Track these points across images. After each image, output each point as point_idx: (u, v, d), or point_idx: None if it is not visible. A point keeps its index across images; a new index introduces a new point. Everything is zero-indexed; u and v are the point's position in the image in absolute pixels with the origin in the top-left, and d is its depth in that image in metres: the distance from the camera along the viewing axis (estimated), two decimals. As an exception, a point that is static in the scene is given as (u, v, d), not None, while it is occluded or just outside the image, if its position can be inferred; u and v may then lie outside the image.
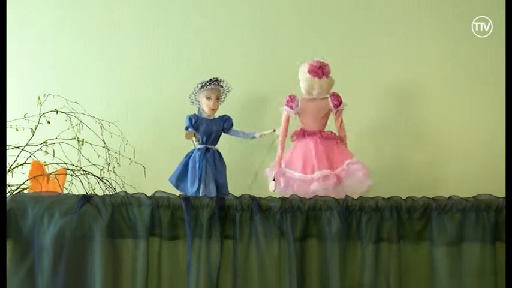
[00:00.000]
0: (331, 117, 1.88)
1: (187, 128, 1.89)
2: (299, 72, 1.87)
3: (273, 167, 1.85)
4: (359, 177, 1.79)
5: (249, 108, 2.23)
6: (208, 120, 1.91)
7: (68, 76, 2.27)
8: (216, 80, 1.89)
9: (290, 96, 1.86)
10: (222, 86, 1.92)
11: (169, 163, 1.89)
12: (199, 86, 1.88)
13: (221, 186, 1.88)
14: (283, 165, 1.84)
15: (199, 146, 1.90)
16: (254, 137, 1.94)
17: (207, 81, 1.88)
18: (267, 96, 2.24)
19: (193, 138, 1.90)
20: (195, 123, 1.89)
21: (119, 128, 2.11)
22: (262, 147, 2.18)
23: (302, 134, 1.86)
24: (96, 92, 2.25)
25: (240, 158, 2.14)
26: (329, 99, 1.85)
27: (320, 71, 1.83)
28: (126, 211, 1.66)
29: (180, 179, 1.89)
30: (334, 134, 1.86)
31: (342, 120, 1.87)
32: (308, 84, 1.84)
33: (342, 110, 1.86)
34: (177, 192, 1.76)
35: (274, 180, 1.82)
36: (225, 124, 1.93)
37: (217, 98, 1.91)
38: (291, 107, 1.85)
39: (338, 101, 1.85)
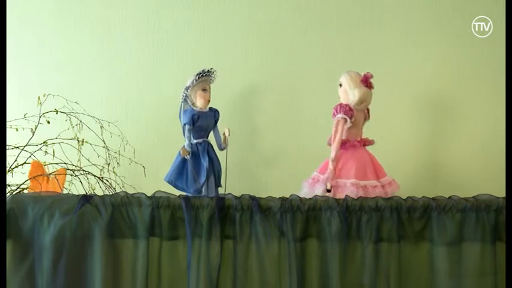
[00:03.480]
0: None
1: (185, 124, 1.84)
2: (345, 80, 1.83)
3: (326, 179, 1.78)
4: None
5: (248, 108, 2.23)
6: (204, 113, 1.87)
7: (68, 76, 2.27)
8: (210, 71, 1.86)
9: (347, 105, 1.80)
10: (211, 78, 1.88)
11: (170, 163, 1.89)
12: (197, 77, 1.83)
13: (218, 176, 1.87)
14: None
15: (199, 140, 1.86)
16: (220, 148, 1.90)
17: (205, 72, 1.85)
18: (266, 95, 2.24)
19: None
20: (198, 118, 1.85)
21: (119, 128, 2.11)
22: (258, 147, 2.18)
23: (354, 143, 1.82)
24: (96, 92, 2.25)
25: (238, 157, 2.14)
26: (365, 110, 1.86)
27: (371, 83, 1.83)
28: (126, 211, 1.66)
29: (178, 177, 1.85)
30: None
31: None
32: (362, 94, 1.80)
33: None
34: (177, 192, 1.76)
35: (329, 191, 1.76)
36: (215, 116, 1.89)
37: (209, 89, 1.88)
38: (351, 117, 1.80)
39: (368, 113, 1.87)
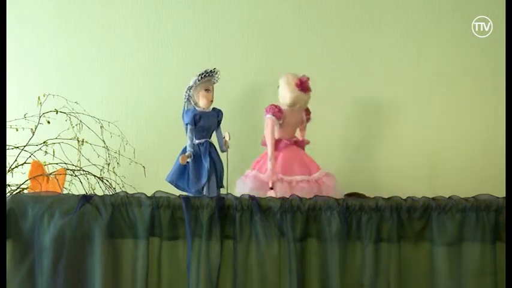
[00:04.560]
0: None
1: (187, 124, 1.84)
2: (282, 82, 1.88)
3: (267, 176, 1.83)
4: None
5: (248, 108, 2.23)
6: (206, 113, 1.86)
7: (68, 76, 2.26)
8: (213, 71, 1.86)
9: (277, 106, 1.87)
10: (214, 78, 1.88)
11: (170, 163, 1.89)
12: (200, 77, 1.83)
13: (220, 176, 1.87)
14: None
15: (201, 141, 1.85)
16: (222, 150, 1.91)
17: (209, 72, 1.85)
18: (266, 95, 2.24)
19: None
20: (200, 118, 1.84)
21: (119, 128, 2.11)
22: (258, 147, 2.18)
23: (285, 143, 1.89)
24: (96, 92, 2.25)
25: (238, 158, 2.14)
26: (303, 112, 1.92)
27: (308, 87, 1.87)
28: (126, 211, 1.66)
29: (179, 177, 1.84)
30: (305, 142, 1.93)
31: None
32: (295, 97, 1.87)
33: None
34: (177, 192, 1.76)
35: (272, 188, 1.82)
36: (218, 117, 1.89)
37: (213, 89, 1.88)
38: (279, 118, 1.87)
39: (309, 115, 1.94)
